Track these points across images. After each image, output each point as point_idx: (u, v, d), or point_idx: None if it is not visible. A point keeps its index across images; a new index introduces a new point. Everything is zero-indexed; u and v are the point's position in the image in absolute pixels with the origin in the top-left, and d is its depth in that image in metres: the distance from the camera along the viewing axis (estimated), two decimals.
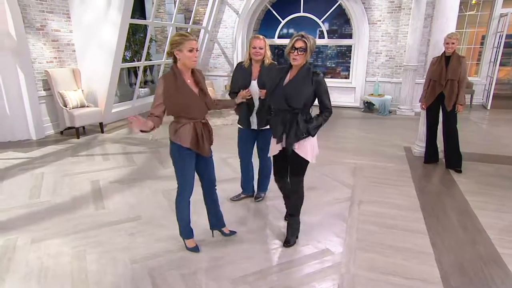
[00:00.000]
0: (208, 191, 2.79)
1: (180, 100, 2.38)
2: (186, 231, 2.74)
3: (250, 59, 3.16)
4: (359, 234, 3.02)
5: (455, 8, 4.50)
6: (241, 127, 3.38)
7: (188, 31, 9.55)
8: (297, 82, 2.49)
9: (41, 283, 2.39)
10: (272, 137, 2.70)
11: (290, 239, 2.84)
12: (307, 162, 2.65)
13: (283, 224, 3.11)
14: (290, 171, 2.74)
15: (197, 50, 2.37)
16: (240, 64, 3.28)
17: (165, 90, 2.37)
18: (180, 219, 2.70)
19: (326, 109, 2.56)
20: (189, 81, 2.43)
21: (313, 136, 2.59)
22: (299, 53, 2.41)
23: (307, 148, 2.59)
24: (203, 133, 2.48)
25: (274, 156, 2.77)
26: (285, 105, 2.50)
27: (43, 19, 5.90)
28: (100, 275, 2.47)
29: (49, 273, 2.49)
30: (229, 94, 3.40)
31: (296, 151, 2.58)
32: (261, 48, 3.06)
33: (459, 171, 4.46)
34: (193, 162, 2.56)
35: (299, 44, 2.40)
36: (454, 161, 4.52)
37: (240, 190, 3.70)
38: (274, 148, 2.69)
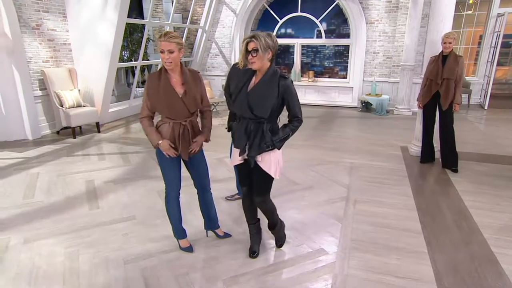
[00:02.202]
0: (200, 194, 2.77)
1: (160, 99, 2.35)
2: (178, 231, 2.73)
3: None
4: (353, 234, 3.01)
5: (451, 8, 4.49)
6: None
7: (186, 30, 9.55)
8: (262, 88, 2.24)
9: (32, 284, 2.37)
10: (233, 146, 2.47)
11: (279, 241, 2.82)
12: (272, 177, 2.41)
13: None
14: (254, 189, 2.47)
15: (171, 52, 2.24)
16: (235, 66, 3.25)
17: (148, 88, 2.37)
18: (171, 219, 2.69)
19: (295, 118, 2.30)
20: (174, 80, 2.38)
21: (278, 149, 2.35)
22: (253, 55, 2.17)
23: (270, 161, 2.34)
24: (179, 135, 2.41)
25: (237, 166, 2.51)
26: (250, 114, 2.26)
27: (39, 19, 5.88)
28: (92, 276, 2.45)
29: (40, 273, 2.47)
30: (225, 94, 3.34)
31: (259, 163, 2.35)
32: None
33: (455, 170, 4.45)
34: (175, 162, 2.52)
35: (251, 46, 2.16)
36: (450, 160, 4.52)
37: (236, 190, 3.68)
38: (236, 157, 2.43)
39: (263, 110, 2.23)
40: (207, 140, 2.60)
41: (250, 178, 2.50)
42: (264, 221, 2.74)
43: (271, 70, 2.25)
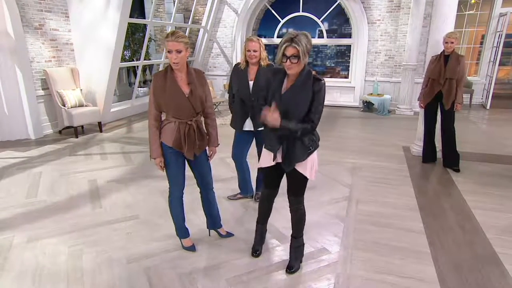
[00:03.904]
0: (203, 192, 2.77)
1: (166, 98, 2.35)
2: (181, 230, 2.74)
3: (247, 61, 3.09)
4: (356, 234, 3.01)
5: (453, 8, 4.49)
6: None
7: (187, 30, 9.55)
8: (296, 90, 2.12)
9: (36, 282, 2.38)
10: (264, 147, 2.41)
11: (293, 264, 2.52)
12: (307, 179, 2.34)
13: (281, 225, 3.10)
14: (289, 190, 2.42)
15: (179, 52, 2.23)
16: (236, 66, 3.25)
17: (155, 87, 2.37)
18: (174, 218, 2.70)
19: (311, 122, 2.15)
20: (180, 79, 2.38)
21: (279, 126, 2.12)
22: (292, 61, 2.02)
23: (306, 163, 2.28)
24: (185, 135, 2.42)
25: (265, 169, 2.43)
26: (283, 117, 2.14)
27: (42, 18, 5.90)
28: (96, 275, 2.46)
29: (44, 272, 2.48)
30: (229, 98, 3.35)
31: (295, 166, 2.29)
32: (255, 51, 2.98)
33: (457, 170, 4.45)
34: (180, 161, 2.53)
35: (290, 51, 2.00)
36: (452, 160, 4.52)
37: (238, 189, 3.68)
38: (267, 160, 2.36)
39: (296, 113, 2.13)
40: (216, 146, 2.69)
41: (278, 181, 2.49)
42: (269, 225, 2.74)
43: (304, 72, 2.11)
